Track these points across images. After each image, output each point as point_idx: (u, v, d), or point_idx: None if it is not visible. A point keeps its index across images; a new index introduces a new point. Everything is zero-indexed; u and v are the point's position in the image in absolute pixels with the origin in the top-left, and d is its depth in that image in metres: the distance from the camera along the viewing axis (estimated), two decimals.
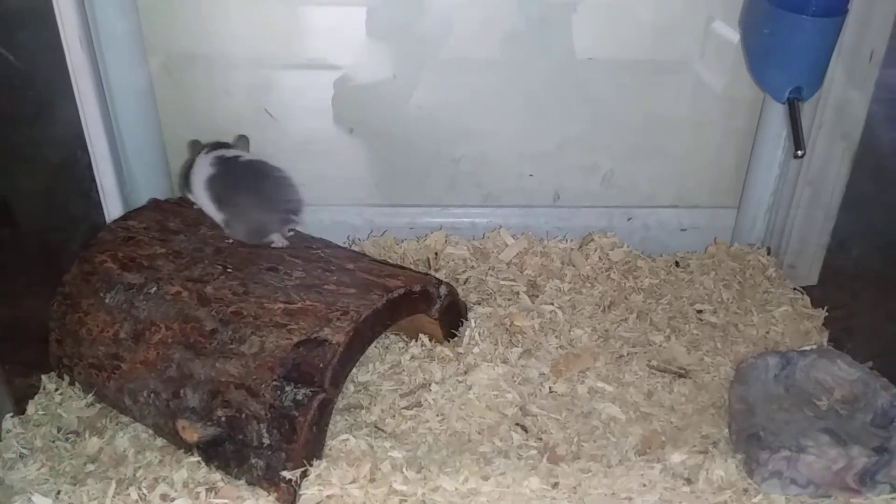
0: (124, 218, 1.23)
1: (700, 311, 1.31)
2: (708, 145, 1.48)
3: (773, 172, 1.44)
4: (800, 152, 1.19)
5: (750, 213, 1.49)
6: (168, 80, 1.38)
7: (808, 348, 1.18)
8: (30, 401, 1.11)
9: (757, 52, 1.24)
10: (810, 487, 0.96)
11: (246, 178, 1.18)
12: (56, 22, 1.16)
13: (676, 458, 1.00)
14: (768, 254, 1.46)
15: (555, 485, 0.96)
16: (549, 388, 1.14)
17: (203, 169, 1.20)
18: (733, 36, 1.35)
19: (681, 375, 1.17)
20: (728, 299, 1.33)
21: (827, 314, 1.29)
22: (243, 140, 1.28)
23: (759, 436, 0.99)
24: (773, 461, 0.96)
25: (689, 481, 0.97)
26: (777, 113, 1.37)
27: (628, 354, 1.21)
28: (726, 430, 1.06)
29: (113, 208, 1.30)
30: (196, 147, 1.26)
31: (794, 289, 1.36)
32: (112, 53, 1.27)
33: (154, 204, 1.28)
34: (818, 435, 0.98)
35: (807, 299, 1.33)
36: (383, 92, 1.41)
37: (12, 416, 1.07)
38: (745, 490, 0.97)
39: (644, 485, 0.97)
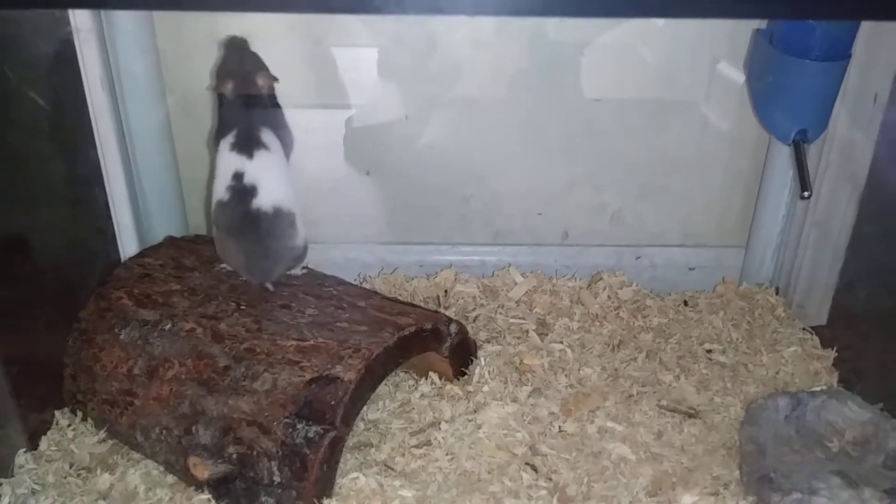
0: (140, 255, 1.25)
1: (709, 351, 1.31)
2: (715, 185, 1.50)
3: (780, 212, 1.45)
4: (806, 193, 1.20)
5: (758, 253, 1.50)
6: (185, 119, 1.41)
7: (818, 389, 1.18)
8: (43, 436, 1.12)
9: (762, 95, 1.26)
10: None
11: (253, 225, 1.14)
12: (78, 63, 1.20)
13: (687, 499, 1.00)
14: (776, 293, 1.46)
15: None
16: (559, 427, 1.14)
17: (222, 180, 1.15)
18: (739, 77, 1.37)
19: (691, 416, 1.17)
20: (737, 339, 1.33)
21: (836, 355, 1.29)
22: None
23: (771, 477, 0.98)
24: (784, 503, 0.95)
25: None
26: (783, 154, 1.39)
27: (638, 394, 1.21)
28: (737, 472, 1.06)
29: (129, 245, 1.32)
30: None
31: (804, 329, 1.36)
32: (131, 93, 1.30)
33: (170, 241, 1.30)
34: (829, 477, 0.97)
35: (816, 339, 1.33)
36: (394, 131, 1.44)
37: (25, 452, 1.08)
38: None
39: None
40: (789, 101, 1.20)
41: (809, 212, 1.38)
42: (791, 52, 1.15)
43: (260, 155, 1.14)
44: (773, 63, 1.19)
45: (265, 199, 1.13)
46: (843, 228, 1.33)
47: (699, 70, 1.41)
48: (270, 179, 1.14)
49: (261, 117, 1.18)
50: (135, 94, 1.31)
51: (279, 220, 1.14)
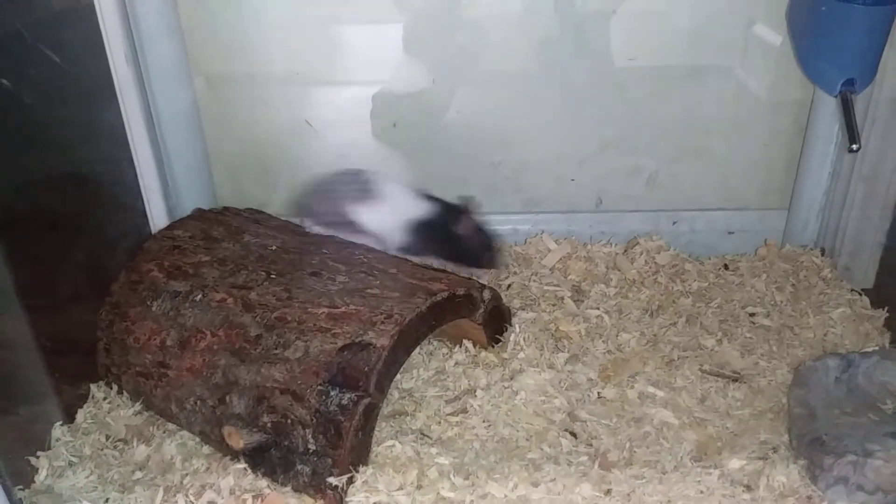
0: (169, 227, 1.25)
1: (752, 314, 1.27)
2: (755, 146, 1.45)
3: (826, 171, 1.39)
4: (855, 146, 1.14)
5: (802, 214, 1.44)
6: (211, 96, 1.40)
7: (869, 350, 1.13)
8: (79, 409, 1.12)
9: (806, 45, 1.20)
10: (878, 494, 0.91)
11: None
12: (104, 44, 1.19)
13: (735, 464, 0.96)
14: (822, 255, 1.41)
15: (607, 491, 0.93)
16: (598, 393, 1.11)
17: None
18: (776, 38, 1.32)
19: (735, 380, 1.13)
20: (781, 302, 1.29)
21: (888, 315, 1.24)
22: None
23: (823, 440, 0.94)
24: (838, 466, 0.91)
25: (748, 488, 0.93)
26: (828, 110, 1.33)
27: (679, 359, 1.17)
28: (786, 436, 1.02)
29: (158, 219, 1.32)
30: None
31: (852, 290, 1.31)
32: (157, 72, 1.30)
33: (199, 213, 1.29)
34: (885, 439, 0.93)
35: (866, 300, 1.28)
36: (422, 100, 1.41)
37: (62, 425, 1.08)
38: (809, 497, 0.92)
39: (701, 492, 0.93)
40: (835, 49, 1.14)
41: (856, 168, 1.32)
42: None
43: None
44: (817, 10, 1.13)
45: None
46: (892, 185, 1.28)
47: (735, 32, 1.36)
48: None
49: None
50: (161, 72, 1.31)
51: None
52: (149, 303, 1.11)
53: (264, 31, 1.36)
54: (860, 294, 1.29)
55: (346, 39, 1.39)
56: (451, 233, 1.23)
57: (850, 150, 1.15)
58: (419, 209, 1.24)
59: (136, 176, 1.29)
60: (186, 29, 1.32)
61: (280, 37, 1.37)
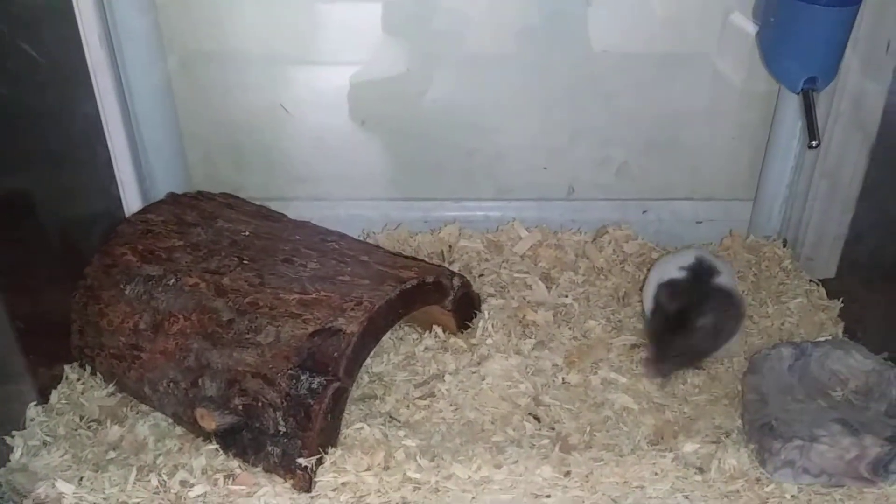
0: (143, 211, 1.25)
1: None
2: (723, 137, 1.48)
3: (789, 164, 1.43)
4: (814, 143, 1.18)
5: (766, 206, 1.48)
6: (185, 77, 1.40)
7: (822, 339, 1.17)
8: (53, 390, 1.13)
9: (771, 43, 1.23)
10: (823, 477, 0.96)
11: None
12: (76, 20, 1.19)
13: (689, 447, 1.00)
14: (784, 246, 1.45)
15: (567, 473, 0.97)
16: (563, 378, 1.15)
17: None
18: (750, 28, 1.34)
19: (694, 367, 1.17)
20: (743, 291, 1.32)
21: (843, 306, 1.28)
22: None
23: (772, 425, 0.99)
24: (785, 450, 0.96)
25: (700, 470, 0.98)
26: (792, 105, 1.36)
27: (642, 346, 1.21)
28: (739, 421, 1.06)
29: (132, 202, 1.33)
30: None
31: (810, 280, 1.35)
32: (131, 50, 1.29)
33: (172, 198, 1.30)
34: (831, 425, 0.98)
35: (822, 291, 1.32)
36: (397, 86, 1.42)
37: (36, 405, 1.10)
38: (758, 479, 0.97)
39: (656, 473, 0.97)
40: (799, 48, 1.17)
41: (819, 163, 1.36)
42: None
43: None
44: (782, 9, 1.16)
45: None
46: (854, 179, 1.31)
47: (709, 21, 1.37)
48: None
49: None
50: (134, 50, 1.30)
51: None
52: (122, 286, 1.12)
53: (239, 8, 1.35)
54: (818, 285, 1.34)
55: (324, 18, 1.38)
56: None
57: (810, 146, 1.19)
58: None
59: (109, 159, 1.29)
60: (160, 5, 1.31)
61: (255, 15, 1.36)
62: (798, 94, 1.21)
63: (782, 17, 1.16)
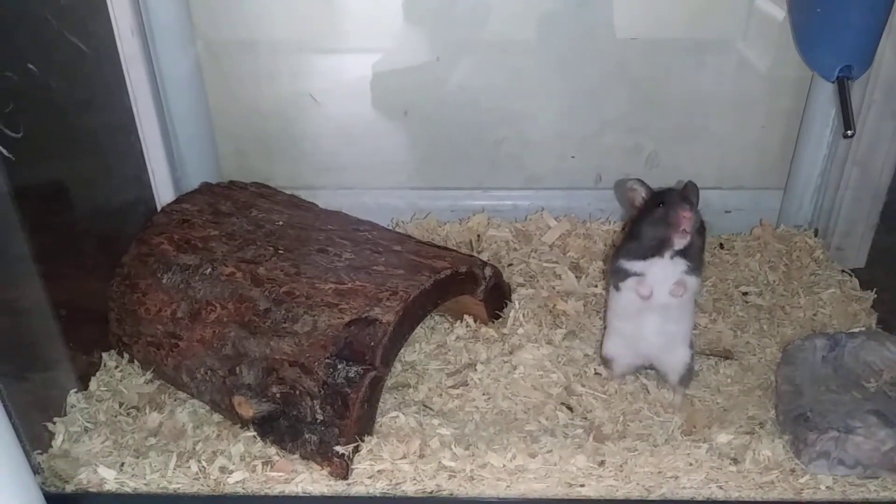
0: (178, 201, 1.27)
1: (745, 293, 1.30)
2: (753, 126, 1.47)
3: (821, 153, 1.41)
4: (849, 132, 1.17)
5: (797, 195, 1.47)
6: (215, 66, 1.41)
7: (856, 330, 1.17)
8: (92, 377, 1.16)
9: (805, 31, 1.22)
10: (858, 468, 0.96)
11: None
12: (109, 11, 1.20)
13: (723, 438, 1.01)
14: (815, 236, 1.44)
15: (601, 463, 0.98)
16: (594, 369, 1.15)
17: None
18: (778, 13, 1.33)
19: (726, 357, 1.17)
20: (774, 281, 1.32)
21: (875, 296, 1.27)
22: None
23: (807, 416, 0.99)
24: (820, 442, 0.96)
25: (735, 461, 0.98)
26: (825, 92, 1.35)
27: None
28: (773, 412, 1.06)
29: (164, 192, 1.34)
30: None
31: (843, 271, 1.34)
32: (162, 41, 1.30)
33: (205, 187, 1.31)
34: (866, 416, 0.97)
35: (855, 281, 1.32)
36: (425, 75, 1.42)
37: (76, 392, 1.12)
38: (793, 470, 0.97)
39: (690, 464, 0.98)
40: (834, 35, 1.16)
41: (851, 151, 1.35)
42: None
43: None
44: None
45: None
46: (886, 168, 1.30)
47: (737, 7, 1.36)
48: None
49: None
50: (165, 41, 1.31)
51: None
52: (159, 275, 1.14)
53: None
54: (850, 275, 1.33)
55: (352, 7, 1.38)
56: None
57: (845, 136, 1.17)
58: None
59: (142, 149, 1.30)
60: None
61: (283, 4, 1.36)
62: (833, 82, 1.19)
63: (817, 4, 1.15)
